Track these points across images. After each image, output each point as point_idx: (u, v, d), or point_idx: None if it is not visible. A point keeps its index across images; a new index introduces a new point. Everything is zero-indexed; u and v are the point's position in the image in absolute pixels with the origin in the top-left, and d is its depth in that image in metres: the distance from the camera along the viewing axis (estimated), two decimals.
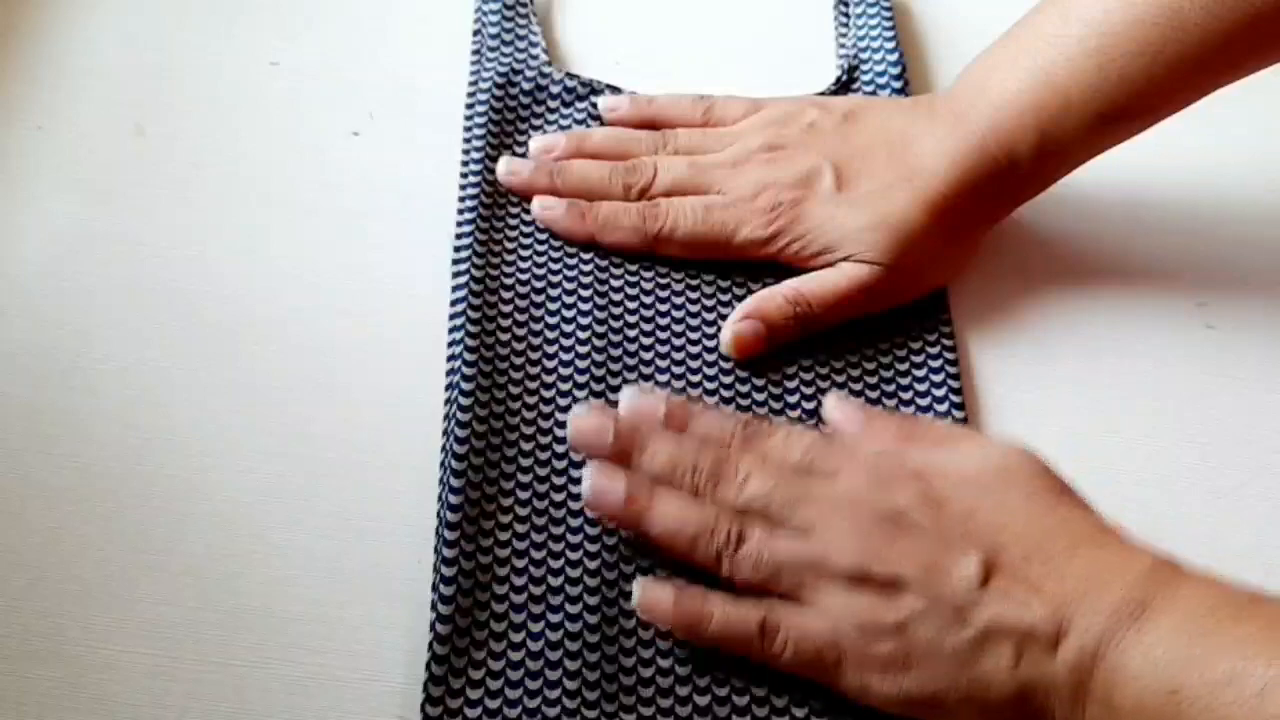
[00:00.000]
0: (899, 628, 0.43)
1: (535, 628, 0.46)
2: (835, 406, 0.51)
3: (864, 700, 0.43)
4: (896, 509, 0.44)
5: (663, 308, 0.54)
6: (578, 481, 0.49)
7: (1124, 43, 0.50)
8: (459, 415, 0.50)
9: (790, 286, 0.53)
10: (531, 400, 0.51)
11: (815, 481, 0.46)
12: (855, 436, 0.49)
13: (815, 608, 0.44)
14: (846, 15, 0.65)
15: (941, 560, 0.43)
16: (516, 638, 0.45)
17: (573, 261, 0.55)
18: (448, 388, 0.51)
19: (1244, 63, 0.51)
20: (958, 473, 0.45)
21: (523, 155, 0.58)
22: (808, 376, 0.53)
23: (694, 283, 0.55)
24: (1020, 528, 0.43)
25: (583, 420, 0.48)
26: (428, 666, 0.44)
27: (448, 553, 0.46)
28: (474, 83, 0.61)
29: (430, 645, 0.45)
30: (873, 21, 0.63)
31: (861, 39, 0.63)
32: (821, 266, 0.54)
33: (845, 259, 0.53)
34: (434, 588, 0.46)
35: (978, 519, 0.44)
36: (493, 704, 0.44)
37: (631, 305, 0.54)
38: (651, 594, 0.45)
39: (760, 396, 0.52)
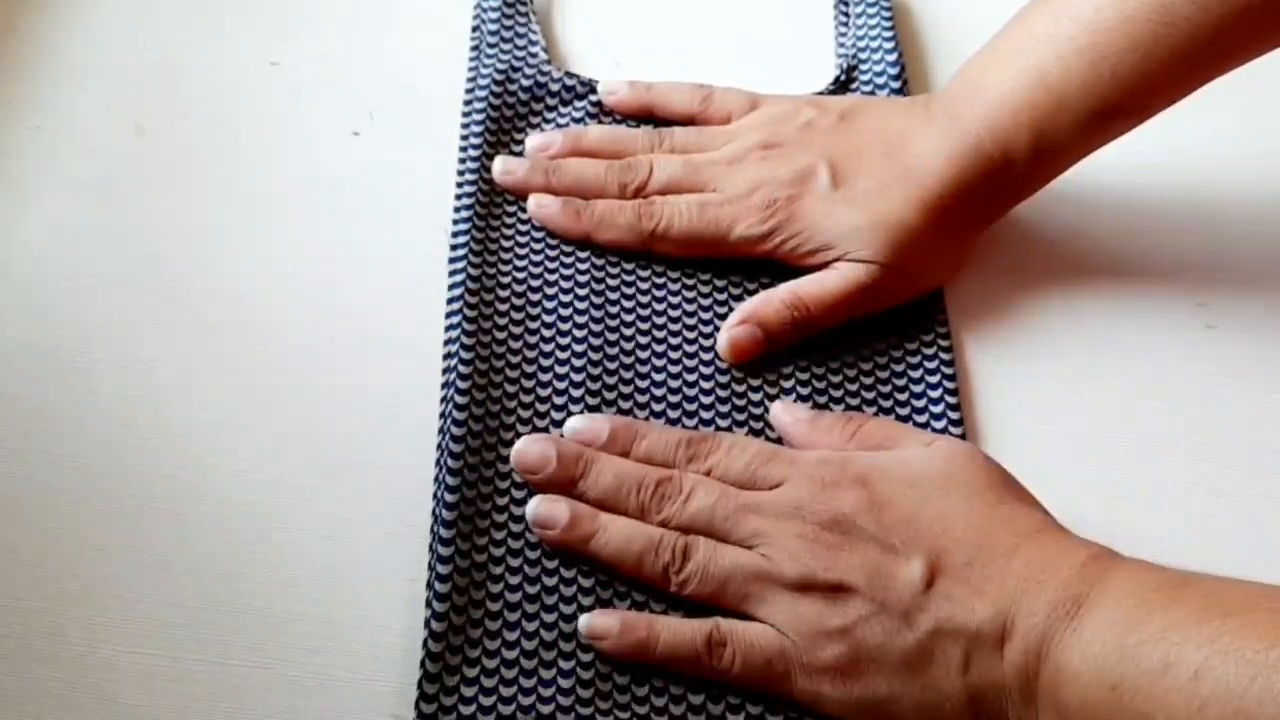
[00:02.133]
0: (845, 632, 0.43)
1: (530, 626, 0.46)
2: (783, 410, 0.51)
3: (819, 708, 0.44)
4: (841, 515, 0.45)
5: (659, 307, 0.54)
6: None
7: (1115, 39, 0.50)
8: (455, 415, 0.50)
9: (788, 290, 0.53)
10: (527, 400, 0.51)
11: (760, 493, 0.47)
12: (801, 441, 0.50)
13: (762, 618, 0.45)
14: (846, 15, 0.65)
15: (886, 565, 0.44)
16: (511, 636, 0.45)
17: (569, 261, 0.55)
18: (444, 386, 0.51)
19: (1235, 54, 0.51)
20: (901, 476, 0.46)
21: (520, 154, 0.58)
22: (804, 376, 0.53)
23: (690, 282, 0.55)
24: (962, 530, 0.44)
25: (525, 448, 0.48)
26: (422, 664, 0.44)
27: (443, 551, 0.46)
28: (472, 80, 0.61)
29: (425, 643, 0.45)
30: (872, 21, 0.63)
31: (861, 39, 0.63)
32: (817, 264, 0.54)
33: (841, 258, 0.53)
34: (429, 586, 0.46)
35: (920, 523, 0.44)
36: (487, 701, 0.44)
37: (628, 305, 0.54)
38: (598, 624, 0.45)
39: (756, 396, 0.52)
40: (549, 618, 0.46)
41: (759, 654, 0.44)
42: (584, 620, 0.45)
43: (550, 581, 0.47)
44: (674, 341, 0.53)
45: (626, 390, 0.52)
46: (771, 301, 0.53)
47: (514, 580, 0.47)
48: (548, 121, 0.60)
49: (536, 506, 0.47)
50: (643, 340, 0.53)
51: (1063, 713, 0.40)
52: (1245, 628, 0.37)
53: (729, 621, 0.45)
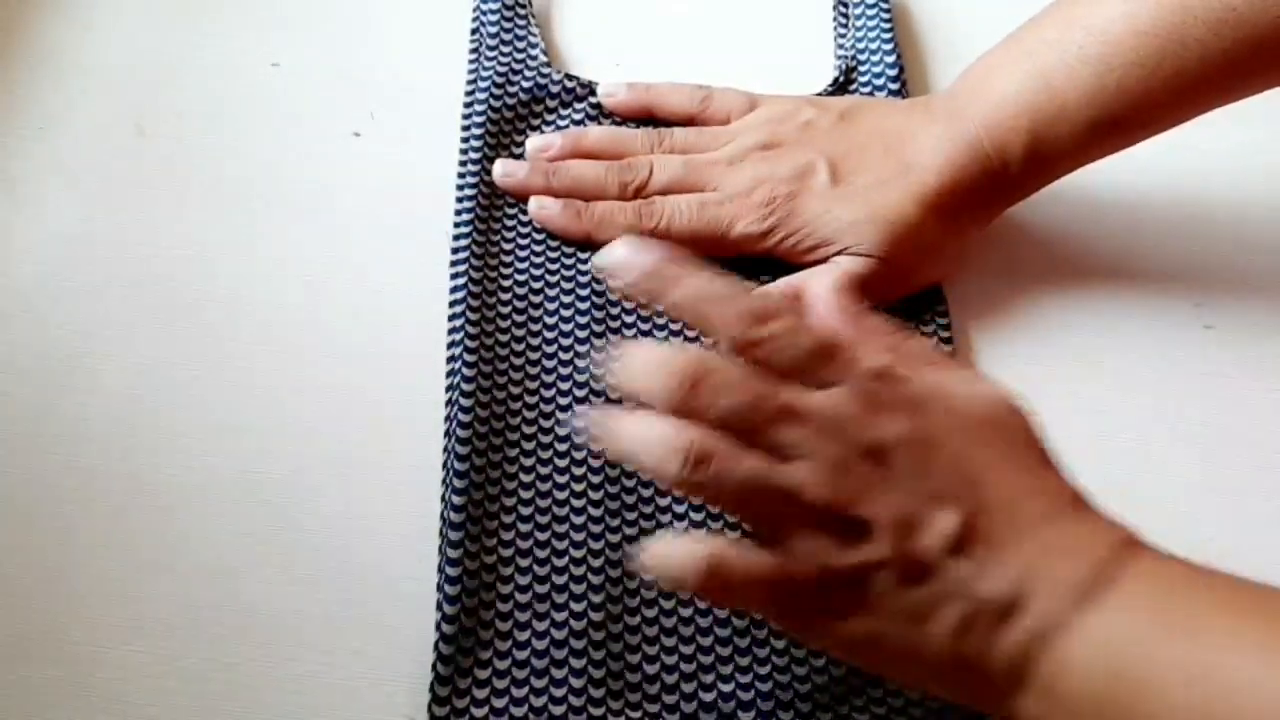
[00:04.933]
0: (852, 576, 0.40)
1: (540, 626, 0.46)
2: (822, 293, 0.49)
3: (806, 642, 0.42)
4: (883, 445, 0.41)
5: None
6: (580, 479, 0.49)
7: (1124, 52, 0.51)
8: (460, 416, 0.50)
9: (785, 284, 0.54)
10: (532, 400, 0.51)
11: (805, 395, 0.42)
12: (853, 341, 0.44)
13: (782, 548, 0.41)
14: (845, 16, 0.65)
15: (919, 513, 0.40)
16: (521, 637, 0.45)
17: (570, 262, 0.55)
18: (448, 389, 0.51)
19: (1242, 85, 0.51)
20: (950, 413, 0.42)
21: (520, 156, 0.59)
22: None
23: None
24: (1001, 490, 0.41)
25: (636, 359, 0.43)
26: (434, 667, 0.44)
27: (452, 553, 0.46)
28: (472, 83, 0.61)
29: (436, 645, 0.45)
30: (871, 23, 0.64)
31: (860, 40, 0.63)
32: (817, 260, 0.54)
33: (840, 253, 0.54)
34: (439, 588, 0.46)
35: (962, 472, 0.41)
36: (499, 703, 0.44)
37: (629, 304, 0.54)
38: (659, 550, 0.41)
39: None
40: (559, 617, 0.46)
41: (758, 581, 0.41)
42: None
43: (559, 580, 0.47)
44: (675, 341, 0.53)
45: None
46: (770, 296, 0.53)
47: (523, 580, 0.47)
48: (548, 123, 0.60)
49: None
50: (645, 340, 0.53)
51: (1055, 701, 0.39)
52: (1260, 627, 0.37)
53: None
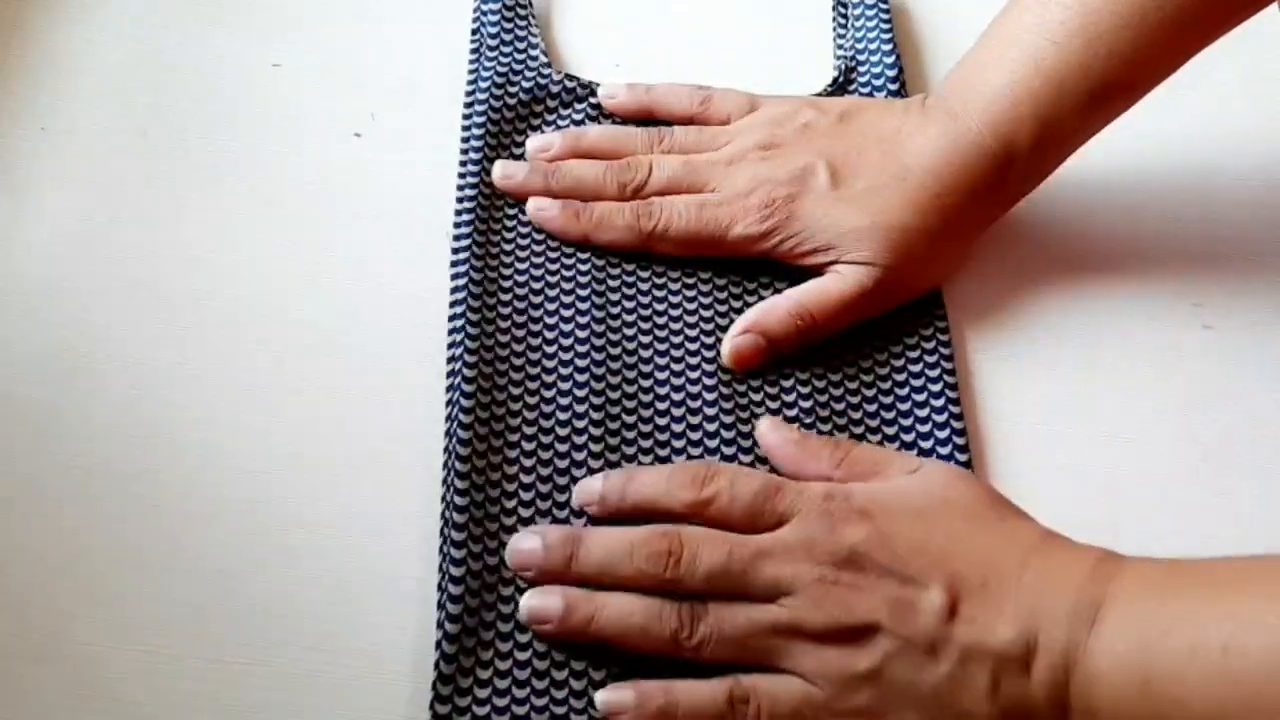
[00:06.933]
0: (875, 674, 0.42)
1: None
2: (770, 429, 0.50)
3: None
4: (853, 550, 0.44)
5: (660, 307, 0.54)
6: (581, 480, 0.49)
7: (1106, 18, 0.51)
8: (461, 418, 0.50)
9: (793, 300, 0.53)
10: (532, 401, 0.51)
11: (765, 536, 0.45)
12: (788, 465, 0.49)
13: (787, 669, 0.43)
14: (845, 16, 0.65)
15: (906, 596, 0.43)
16: (523, 637, 0.45)
17: (570, 262, 0.55)
18: (449, 389, 0.51)
19: (1224, 19, 0.52)
20: (901, 506, 0.45)
21: (520, 156, 0.59)
22: (804, 375, 0.53)
23: (690, 281, 0.55)
24: (971, 552, 0.44)
25: (516, 545, 0.47)
26: (436, 666, 0.44)
27: (455, 553, 0.47)
28: (472, 83, 0.61)
29: (439, 645, 0.45)
30: (870, 23, 0.64)
31: (859, 40, 0.63)
32: (814, 264, 0.54)
33: (839, 259, 0.54)
34: (441, 588, 0.46)
35: (931, 550, 0.44)
36: (501, 703, 0.44)
37: (629, 305, 0.54)
38: (614, 700, 0.44)
39: (757, 396, 0.52)
40: None
41: (784, 705, 0.43)
42: (600, 698, 0.44)
43: None
44: (675, 340, 0.54)
45: (630, 390, 0.52)
46: (775, 311, 0.53)
47: (525, 581, 0.47)
48: (548, 124, 0.60)
49: (528, 601, 0.45)
50: (644, 340, 0.53)
51: (1095, 717, 0.41)
52: (1256, 598, 0.38)
53: (749, 676, 0.43)
